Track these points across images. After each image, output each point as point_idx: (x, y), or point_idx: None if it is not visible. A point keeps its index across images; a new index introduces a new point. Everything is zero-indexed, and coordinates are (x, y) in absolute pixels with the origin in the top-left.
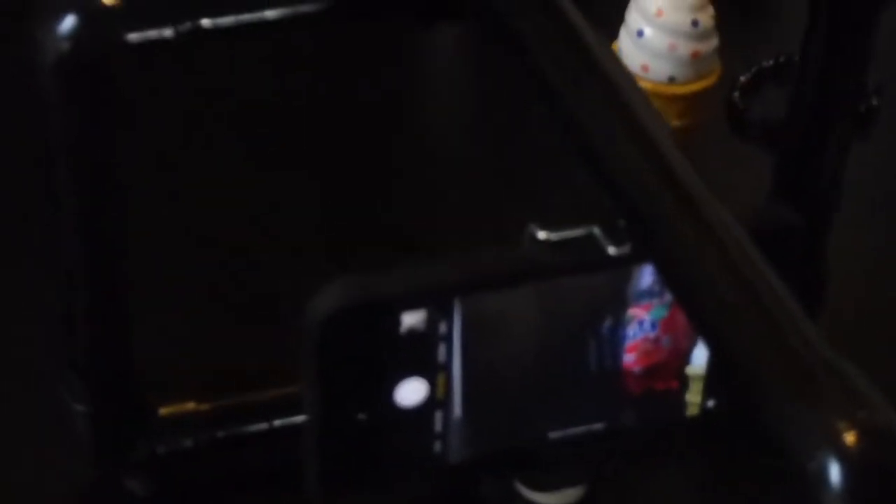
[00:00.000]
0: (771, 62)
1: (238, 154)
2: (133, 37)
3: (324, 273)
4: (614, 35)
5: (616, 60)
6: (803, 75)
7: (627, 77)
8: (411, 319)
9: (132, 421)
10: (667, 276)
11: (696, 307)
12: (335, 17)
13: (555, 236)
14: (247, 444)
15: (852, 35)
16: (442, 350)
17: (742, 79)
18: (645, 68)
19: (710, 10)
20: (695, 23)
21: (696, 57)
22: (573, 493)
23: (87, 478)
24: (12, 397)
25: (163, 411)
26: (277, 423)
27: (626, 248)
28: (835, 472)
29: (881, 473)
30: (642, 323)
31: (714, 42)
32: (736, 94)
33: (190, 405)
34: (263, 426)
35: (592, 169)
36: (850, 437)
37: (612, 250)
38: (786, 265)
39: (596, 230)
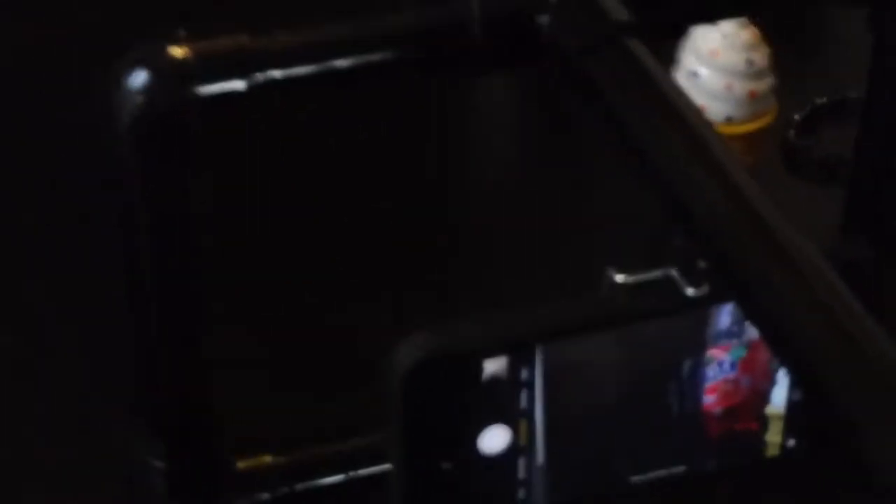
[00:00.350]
0: (825, 100)
1: (311, 206)
2: (206, 90)
3: (400, 325)
4: None
5: (689, 101)
6: (870, 109)
7: (702, 118)
8: (493, 367)
9: (209, 476)
10: (753, 314)
11: (787, 344)
12: (405, 67)
13: (632, 280)
14: (325, 498)
15: None
16: (524, 397)
17: (797, 118)
18: (702, 109)
19: (765, 49)
20: (750, 62)
21: (752, 97)
22: None
23: None
24: (90, 455)
25: (240, 465)
26: (355, 474)
27: (704, 289)
28: None
29: None
30: (722, 364)
31: (770, 81)
32: (792, 132)
33: (267, 458)
34: (341, 478)
35: (672, 210)
36: None
37: (690, 291)
38: (862, 300)
39: (673, 272)
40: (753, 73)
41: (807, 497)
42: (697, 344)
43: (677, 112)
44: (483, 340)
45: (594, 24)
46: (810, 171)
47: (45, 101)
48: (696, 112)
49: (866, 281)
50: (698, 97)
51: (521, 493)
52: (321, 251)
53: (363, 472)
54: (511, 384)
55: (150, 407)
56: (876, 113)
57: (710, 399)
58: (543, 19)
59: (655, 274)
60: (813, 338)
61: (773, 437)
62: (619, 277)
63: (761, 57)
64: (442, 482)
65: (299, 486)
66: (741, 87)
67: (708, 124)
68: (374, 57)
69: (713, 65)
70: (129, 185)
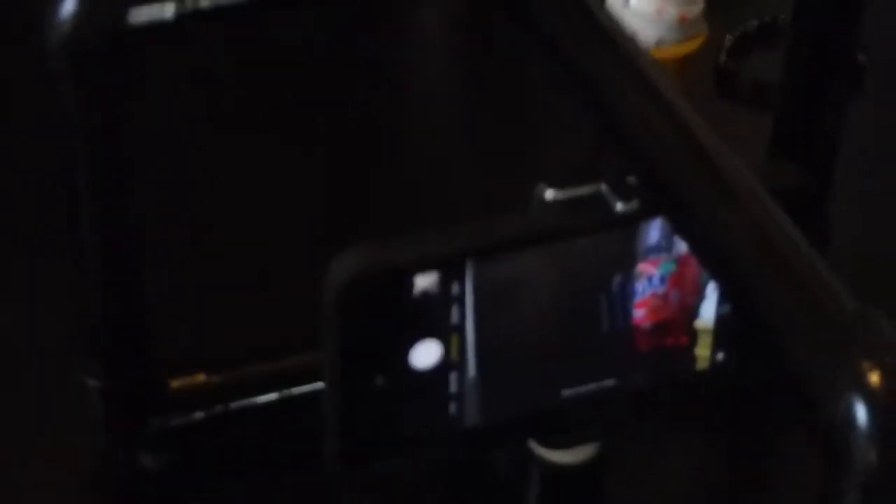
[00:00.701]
0: (755, 24)
1: (245, 131)
2: (135, 19)
3: (334, 245)
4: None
5: (621, 26)
6: (797, 35)
7: (634, 41)
8: (425, 283)
9: (143, 396)
10: (683, 229)
11: (718, 259)
12: None
13: (563, 196)
14: (259, 416)
15: None
16: (455, 312)
17: (728, 41)
18: (635, 34)
19: None
20: None
21: (683, 21)
22: (587, 450)
23: (101, 452)
24: (27, 374)
25: (174, 385)
26: (289, 393)
27: (634, 205)
28: (861, 413)
29: None
30: (651, 279)
31: (700, 5)
32: (722, 56)
33: (201, 378)
34: (275, 396)
35: (605, 127)
36: (877, 379)
37: (620, 207)
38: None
39: (603, 188)
40: None
41: (735, 409)
42: (627, 259)
43: (610, 35)
44: (415, 256)
45: None
46: (740, 94)
47: None
48: (628, 36)
49: (798, 201)
50: (631, 21)
51: (453, 408)
52: (254, 173)
53: (296, 390)
54: (442, 300)
55: (88, 328)
56: (801, 36)
57: (639, 314)
58: None
59: (585, 190)
60: (742, 252)
61: (703, 350)
62: (550, 194)
63: None
64: (375, 399)
65: (233, 405)
66: (672, 11)
67: (639, 47)
68: None
69: None
70: (65, 112)
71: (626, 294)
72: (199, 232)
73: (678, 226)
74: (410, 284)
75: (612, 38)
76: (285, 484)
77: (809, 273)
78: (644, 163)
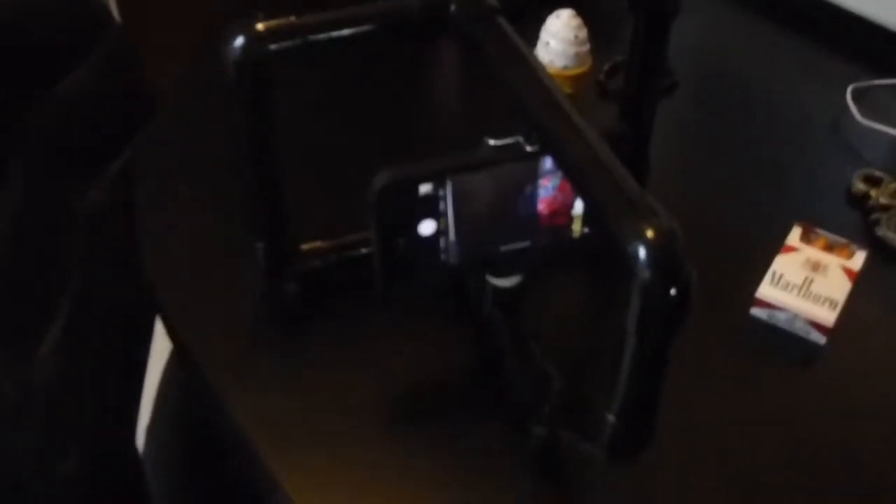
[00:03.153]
0: (619, 58)
1: (335, 124)
2: (273, 47)
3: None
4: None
5: (535, 57)
6: (630, 63)
7: (541, 65)
8: (425, 188)
9: (287, 253)
10: (559, 162)
11: (575, 177)
12: (378, 36)
13: (498, 143)
14: (348, 264)
15: (653, 38)
16: (442, 204)
17: (605, 67)
18: (551, 62)
19: (585, 29)
20: (576, 35)
21: (578, 55)
22: (515, 279)
23: (264, 286)
24: (227, 246)
25: (304, 248)
26: (360, 252)
27: (536, 148)
28: (643, 253)
29: (666, 253)
30: (547, 187)
31: (587, 46)
32: (601, 75)
33: (317, 244)
34: (357, 252)
35: (520, 108)
36: (650, 234)
37: (529, 149)
38: (623, 159)
39: (520, 139)
40: (578, 42)
41: (594, 260)
42: (534, 176)
43: (527, 61)
44: (419, 173)
45: (479, 8)
46: (610, 96)
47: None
48: (539, 62)
49: (626, 147)
50: (549, 56)
51: (443, 256)
52: (345, 146)
53: (364, 250)
54: (435, 197)
55: (256, 220)
56: (633, 62)
57: (541, 206)
58: (452, 6)
59: (510, 140)
60: (587, 173)
61: (577, 227)
62: (492, 141)
63: (583, 33)
64: (399, 251)
65: (336, 258)
66: (571, 50)
67: (544, 68)
68: (361, 29)
69: (557, 37)
70: (236, 109)
71: (533, 195)
72: (314, 174)
73: (556, 160)
74: (416, 189)
75: (529, 63)
76: (359, 300)
77: (621, 182)
78: (540, 127)
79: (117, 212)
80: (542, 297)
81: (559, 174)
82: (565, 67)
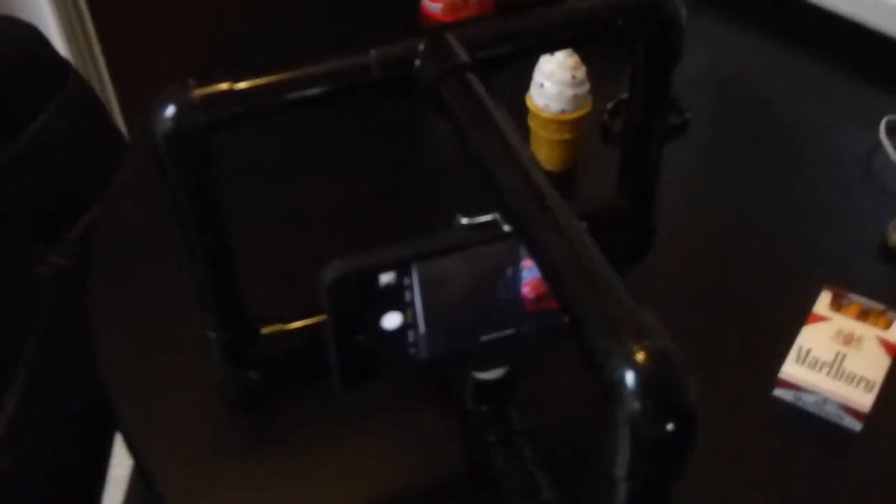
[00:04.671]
0: (623, 97)
1: (293, 188)
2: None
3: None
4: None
5: (502, 112)
6: (630, 104)
7: (510, 123)
8: (386, 278)
9: (246, 339)
10: (531, 255)
11: (548, 278)
12: (337, 95)
13: (472, 221)
14: (315, 347)
15: (656, 79)
16: (408, 294)
17: (608, 107)
18: (547, 106)
19: (583, 68)
20: (573, 76)
21: (575, 97)
22: (499, 371)
23: (220, 373)
24: (176, 335)
25: (264, 331)
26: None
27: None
28: (631, 379)
29: (658, 379)
30: (532, 269)
31: (586, 87)
32: (604, 116)
33: (280, 326)
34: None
35: (487, 189)
36: (640, 357)
37: (507, 228)
38: (621, 232)
39: (497, 216)
40: (576, 83)
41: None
42: (515, 257)
43: (493, 119)
44: (376, 261)
45: (444, 64)
46: (614, 139)
47: None
48: (507, 119)
49: (624, 219)
50: (544, 99)
51: (412, 351)
52: (315, 217)
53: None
54: (399, 287)
55: (207, 306)
56: (632, 104)
57: (526, 289)
58: (416, 62)
59: (486, 218)
60: (560, 267)
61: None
62: (464, 220)
63: (580, 72)
64: (359, 349)
65: (298, 342)
66: (568, 92)
67: (519, 138)
68: (312, 92)
69: (552, 78)
70: (170, 180)
71: (517, 278)
72: (273, 245)
73: (528, 253)
74: (375, 279)
75: (494, 121)
76: (325, 385)
77: (604, 288)
78: (509, 213)
79: (80, 277)
80: (531, 390)
81: None
82: (562, 111)
